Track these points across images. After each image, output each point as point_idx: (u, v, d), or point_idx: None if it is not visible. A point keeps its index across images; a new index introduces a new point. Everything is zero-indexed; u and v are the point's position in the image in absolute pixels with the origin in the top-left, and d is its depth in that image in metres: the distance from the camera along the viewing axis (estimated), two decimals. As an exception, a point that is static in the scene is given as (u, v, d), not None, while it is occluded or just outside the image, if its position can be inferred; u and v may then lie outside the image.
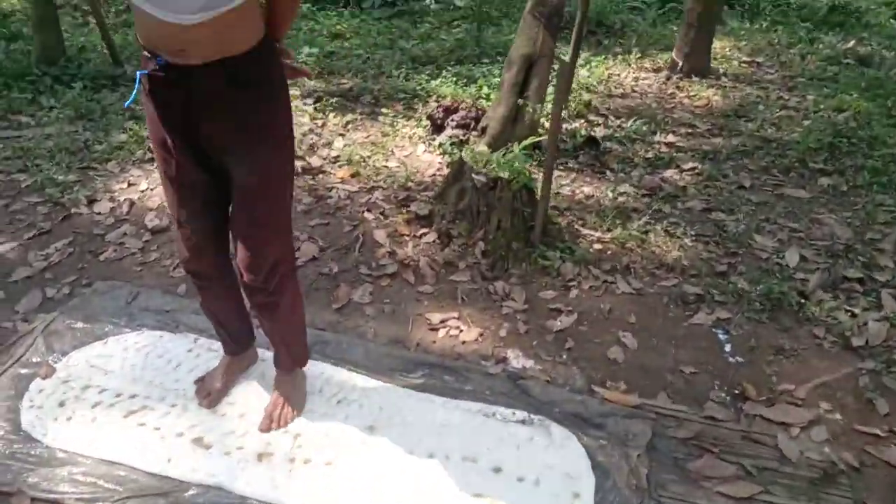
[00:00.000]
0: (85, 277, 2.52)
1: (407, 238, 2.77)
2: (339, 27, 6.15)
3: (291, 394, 1.93)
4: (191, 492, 1.68)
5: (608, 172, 3.53)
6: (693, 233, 2.96)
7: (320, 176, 3.33)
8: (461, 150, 3.39)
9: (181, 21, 1.29)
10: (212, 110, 1.45)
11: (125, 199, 3.07)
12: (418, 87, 4.57)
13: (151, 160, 3.38)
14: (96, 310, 2.28)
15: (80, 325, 2.19)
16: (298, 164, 3.40)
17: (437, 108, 3.67)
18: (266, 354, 2.03)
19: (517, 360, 2.19)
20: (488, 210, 2.65)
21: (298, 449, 1.79)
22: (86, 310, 2.27)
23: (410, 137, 3.76)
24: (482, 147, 3.36)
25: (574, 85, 4.52)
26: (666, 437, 1.87)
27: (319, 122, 3.98)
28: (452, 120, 3.55)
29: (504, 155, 2.79)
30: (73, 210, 2.98)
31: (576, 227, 2.95)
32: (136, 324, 2.23)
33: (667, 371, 2.16)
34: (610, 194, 3.27)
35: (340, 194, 3.15)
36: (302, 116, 4.02)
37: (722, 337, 2.34)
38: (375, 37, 5.86)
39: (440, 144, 3.53)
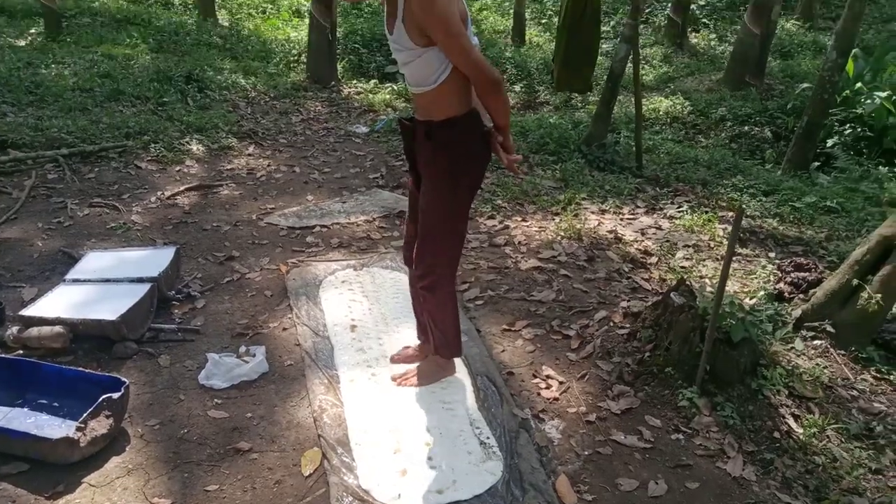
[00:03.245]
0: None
1: (610, 325, 3.09)
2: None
3: (424, 371, 2.63)
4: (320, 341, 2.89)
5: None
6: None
7: (641, 268, 3.78)
8: (772, 304, 3.28)
9: (411, 90, 2.24)
10: (418, 149, 2.29)
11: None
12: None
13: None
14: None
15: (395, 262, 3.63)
16: (636, 250, 3.94)
17: (790, 261, 3.48)
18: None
19: (550, 428, 2.46)
20: (668, 329, 2.75)
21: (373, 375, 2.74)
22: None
23: (758, 279, 3.68)
24: (797, 311, 3.18)
25: None
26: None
27: (712, 244, 4.24)
28: (790, 275, 3.35)
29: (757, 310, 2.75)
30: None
31: (784, 411, 2.60)
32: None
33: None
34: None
35: (635, 280, 3.58)
36: (703, 233, 4.37)
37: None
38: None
39: (755, 290, 3.41)
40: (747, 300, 3.38)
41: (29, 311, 2.79)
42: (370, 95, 7.77)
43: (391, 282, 3.41)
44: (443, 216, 2.28)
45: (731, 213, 4.86)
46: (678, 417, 2.54)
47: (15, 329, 2.72)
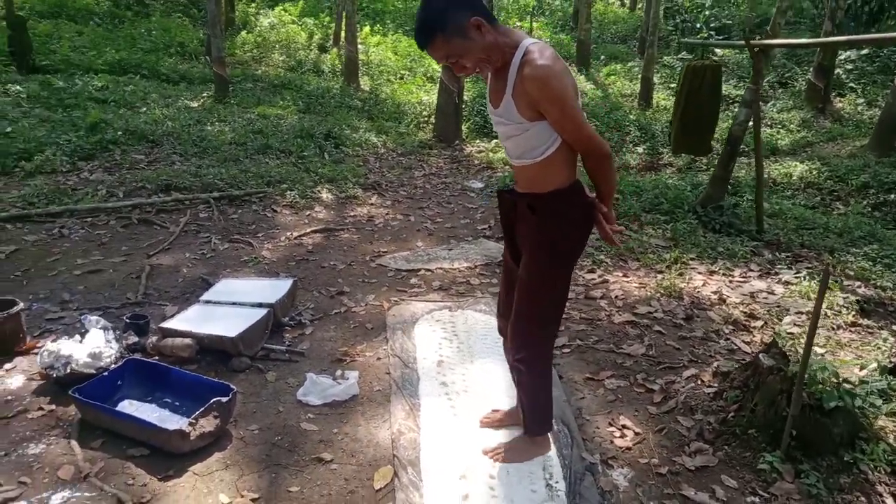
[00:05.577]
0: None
1: (697, 383, 3.02)
2: None
3: (516, 449, 2.50)
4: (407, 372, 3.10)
5: None
6: None
7: (742, 331, 3.65)
8: (885, 377, 3.07)
9: (513, 163, 2.21)
10: (518, 221, 2.24)
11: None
12: None
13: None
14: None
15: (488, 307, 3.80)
16: (741, 313, 3.82)
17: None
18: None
19: (618, 475, 2.46)
20: (755, 390, 2.66)
21: (452, 407, 2.90)
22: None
23: (875, 351, 3.41)
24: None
25: None
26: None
27: (829, 312, 4.00)
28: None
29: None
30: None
31: (882, 489, 2.41)
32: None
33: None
34: None
35: (734, 342, 3.48)
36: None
37: None
38: None
39: (868, 361, 3.17)
40: (857, 370, 3.17)
41: (166, 325, 3.25)
42: (490, 154, 8.14)
43: (482, 324, 3.57)
44: (544, 289, 2.21)
45: (857, 283, 4.56)
46: (757, 480, 2.44)
47: (154, 339, 3.18)
